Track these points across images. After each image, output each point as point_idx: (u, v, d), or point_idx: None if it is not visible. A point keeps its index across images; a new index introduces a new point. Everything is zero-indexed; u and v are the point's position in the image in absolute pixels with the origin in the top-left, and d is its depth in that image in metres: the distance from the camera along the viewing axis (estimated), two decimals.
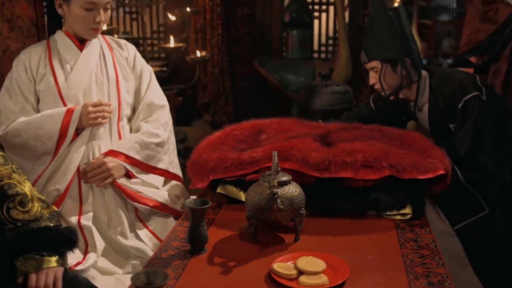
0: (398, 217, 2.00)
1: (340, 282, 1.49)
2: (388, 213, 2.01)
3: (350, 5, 5.60)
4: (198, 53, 4.32)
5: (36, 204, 1.59)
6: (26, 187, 1.60)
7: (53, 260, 1.56)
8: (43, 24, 4.21)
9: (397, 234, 1.86)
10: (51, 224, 1.60)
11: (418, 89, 2.48)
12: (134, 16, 6.01)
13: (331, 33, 5.83)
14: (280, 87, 4.94)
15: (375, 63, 2.50)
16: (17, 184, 1.58)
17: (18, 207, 1.56)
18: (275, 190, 1.69)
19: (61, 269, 1.57)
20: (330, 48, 5.84)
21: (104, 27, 2.24)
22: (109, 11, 2.20)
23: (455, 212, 2.22)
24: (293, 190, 1.77)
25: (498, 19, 3.46)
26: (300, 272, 1.53)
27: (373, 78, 2.54)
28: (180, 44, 4.33)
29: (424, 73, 2.49)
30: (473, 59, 3.60)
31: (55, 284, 1.54)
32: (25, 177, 1.65)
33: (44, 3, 4.84)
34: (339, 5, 5.03)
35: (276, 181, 1.72)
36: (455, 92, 2.36)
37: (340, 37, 5.01)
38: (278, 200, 1.69)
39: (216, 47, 5.50)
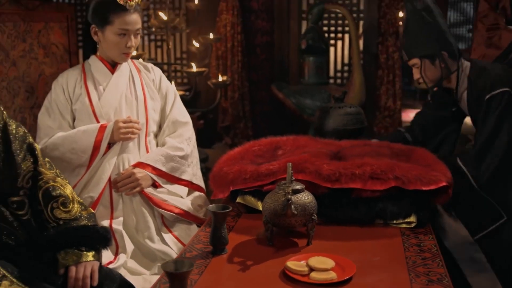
0: (404, 225, 2.10)
1: (346, 277, 1.61)
2: (394, 221, 2.11)
3: (365, 33, 5.67)
4: (220, 78, 4.46)
5: (76, 205, 1.75)
6: (68, 190, 1.76)
7: (90, 255, 1.71)
8: (74, 51, 4.44)
9: (402, 240, 1.97)
10: (89, 223, 1.75)
11: (458, 79, 2.62)
12: (159, 43, 6.16)
13: (346, 60, 5.88)
14: (297, 111, 5.03)
15: (415, 61, 2.66)
16: (60, 186, 1.74)
17: (61, 207, 1.71)
18: (289, 196, 1.83)
19: (97, 263, 1.72)
20: (346, 74, 5.89)
21: (134, 53, 2.43)
22: (139, 37, 2.38)
23: (473, 221, 2.31)
24: (306, 197, 1.90)
25: (501, 44, 3.60)
26: (311, 269, 1.66)
27: (416, 74, 2.70)
28: (203, 69, 4.45)
29: (466, 63, 2.62)
30: None
31: (92, 276, 1.67)
32: (67, 181, 1.80)
33: (78, 32, 5.07)
34: (354, 34, 5.14)
35: (290, 188, 1.86)
36: (485, 85, 2.48)
37: (354, 64, 5.10)
38: (292, 206, 1.82)
39: (237, 73, 5.56)
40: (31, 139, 1.72)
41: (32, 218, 1.70)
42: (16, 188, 1.66)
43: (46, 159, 1.77)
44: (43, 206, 1.70)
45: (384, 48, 5.43)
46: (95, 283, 1.67)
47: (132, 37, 2.32)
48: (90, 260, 1.70)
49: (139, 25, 2.35)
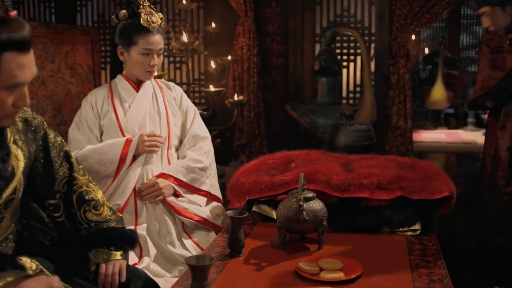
0: (410, 233, 2.20)
1: (354, 276, 1.73)
2: (400, 229, 2.21)
3: (376, 55, 5.74)
4: (236, 97, 4.61)
5: (106, 209, 1.89)
6: (99, 195, 1.90)
7: (119, 254, 1.84)
8: (98, 71, 4.62)
9: (407, 246, 2.08)
10: (118, 226, 1.89)
11: None
12: (178, 65, 6.33)
13: (358, 81, 5.98)
14: (310, 130, 5.13)
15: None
16: (92, 191, 1.88)
17: (93, 210, 1.85)
18: (301, 203, 1.96)
19: (125, 262, 1.84)
20: (358, 95, 5.99)
21: (156, 73, 2.59)
22: (161, 57, 2.52)
23: None
24: (316, 205, 2.02)
25: (505, 66, 3.65)
26: (321, 269, 1.78)
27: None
28: (220, 89, 4.60)
29: None
30: (489, 103, 3.82)
31: (120, 273, 1.79)
32: (98, 186, 1.95)
33: (101, 53, 5.23)
34: (365, 56, 5.27)
35: (302, 196, 1.98)
36: None
37: (366, 84, 5.22)
38: (304, 212, 1.94)
39: (252, 93, 5.71)
40: (67, 148, 1.87)
41: (66, 219, 1.84)
42: (53, 192, 1.80)
43: (80, 166, 1.92)
44: (77, 209, 1.84)
45: (395, 69, 5.47)
46: (123, 279, 1.80)
47: (155, 56, 2.47)
48: (118, 259, 1.82)
49: (162, 45, 2.50)
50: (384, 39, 5.53)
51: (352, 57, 5.98)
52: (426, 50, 11.23)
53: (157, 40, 2.46)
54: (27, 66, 1.42)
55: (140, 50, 2.44)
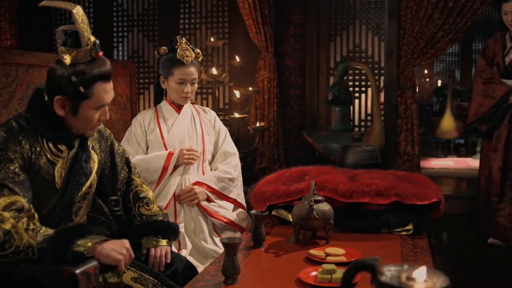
0: (404, 232, 2.56)
1: (353, 260, 2.09)
2: (396, 230, 2.57)
3: (385, 87, 5.90)
4: (258, 123, 4.97)
5: (155, 206, 2.29)
6: (150, 194, 2.30)
7: (165, 241, 2.21)
8: (135, 100, 5.05)
9: (400, 242, 2.42)
10: (164, 219, 2.29)
11: None
12: (204, 96, 6.55)
13: (369, 110, 6.12)
14: (325, 154, 5.31)
15: None
16: (145, 191, 2.29)
17: (145, 206, 2.25)
18: (312, 204, 2.34)
19: (169, 248, 2.22)
20: (368, 123, 6.11)
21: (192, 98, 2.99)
22: (195, 85, 2.89)
23: None
24: (325, 206, 2.38)
25: (495, 95, 4.02)
26: (327, 255, 2.15)
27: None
28: (244, 115, 4.90)
29: None
30: (483, 128, 4.17)
31: (166, 256, 2.18)
32: (149, 188, 2.36)
33: (138, 85, 5.66)
34: (373, 88, 5.47)
35: (313, 199, 2.35)
36: None
37: (374, 113, 5.49)
38: (314, 211, 2.31)
39: (272, 121, 5.81)
40: (127, 155, 2.28)
41: (123, 213, 2.24)
42: (115, 190, 2.21)
43: (136, 170, 2.33)
44: (132, 205, 2.24)
45: (403, 100, 5.63)
46: (168, 260, 2.19)
47: (189, 85, 2.84)
48: (164, 245, 2.20)
49: (195, 76, 2.86)
50: (393, 72, 5.71)
51: (363, 89, 6.16)
52: (439, 83, 11.50)
53: (191, 71, 2.82)
54: (109, 91, 1.87)
55: (176, 80, 2.83)
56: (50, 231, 1.75)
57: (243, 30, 5.94)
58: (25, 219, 1.72)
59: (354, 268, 1.13)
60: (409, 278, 1.03)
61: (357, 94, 6.19)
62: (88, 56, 1.84)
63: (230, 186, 2.91)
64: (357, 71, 6.13)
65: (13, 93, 3.30)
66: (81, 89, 1.82)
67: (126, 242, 1.83)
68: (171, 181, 2.81)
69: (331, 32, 6.19)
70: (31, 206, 1.79)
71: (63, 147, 1.93)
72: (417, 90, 13.28)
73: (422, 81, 13.74)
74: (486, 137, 4.18)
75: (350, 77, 6.15)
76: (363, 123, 6.23)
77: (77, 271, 1.70)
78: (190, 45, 2.88)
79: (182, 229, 2.76)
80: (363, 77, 6.13)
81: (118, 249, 1.79)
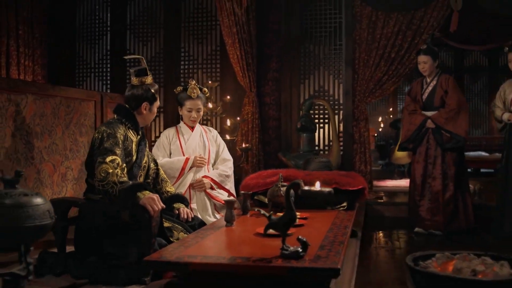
0: (341, 208, 3.66)
1: (301, 223, 3.14)
2: (336, 207, 3.68)
3: (344, 119, 6.57)
4: (244, 145, 5.98)
5: (173, 188, 3.38)
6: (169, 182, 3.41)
7: (185, 206, 3.30)
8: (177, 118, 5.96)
9: (336, 213, 3.46)
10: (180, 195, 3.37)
11: None
12: (204, 123, 6.54)
13: (331, 137, 6.59)
14: None
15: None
16: (166, 179, 3.38)
17: (169, 186, 3.32)
18: (279, 186, 3.42)
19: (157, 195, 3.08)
20: (328, 147, 6.67)
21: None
22: (200, 112, 3.93)
23: None
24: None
25: (417, 122, 5.03)
26: None
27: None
28: (233, 138, 5.88)
29: None
30: (410, 146, 5.21)
31: (188, 214, 3.24)
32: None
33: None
34: (332, 119, 6.29)
35: (280, 184, 3.45)
36: None
37: (333, 139, 6.28)
38: (280, 191, 3.42)
39: (255, 145, 6.41)
40: (154, 157, 3.39)
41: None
42: (148, 176, 3.29)
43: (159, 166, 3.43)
44: (162, 185, 3.32)
45: (358, 129, 6.41)
46: (192, 215, 3.26)
47: (194, 112, 3.92)
48: (186, 207, 3.29)
49: (200, 106, 3.88)
50: (349, 108, 6.47)
51: (326, 120, 6.80)
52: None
53: (197, 103, 3.85)
54: (158, 105, 3.06)
55: (186, 108, 3.90)
56: (128, 183, 2.80)
57: (232, 74, 6.57)
58: (119, 169, 2.80)
59: (289, 186, 2.22)
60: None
61: (321, 124, 6.84)
62: (150, 80, 3.09)
63: (226, 180, 3.99)
64: (321, 106, 6.78)
65: (72, 118, 4.18)
66: (156, 95, 3.06)
67: (156, 196, 2.83)
68: (188, 177, 3.87)
69: (301, 76, 6.81)
70: (124, 164, 2.87)
71: (135, 133, 3.06)
72: (382, 126, 13.64)
73: (386, 118, 14.37)
74: (413, 153, 5.23)
75: (316, 111, 6.80)
76: (326, 147, 6.96)
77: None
78: (199, 86, 3.97)
79: (194, 206, 3.82)
80: (326, 111, 6.76)
81: (152, 203, 2.78)
